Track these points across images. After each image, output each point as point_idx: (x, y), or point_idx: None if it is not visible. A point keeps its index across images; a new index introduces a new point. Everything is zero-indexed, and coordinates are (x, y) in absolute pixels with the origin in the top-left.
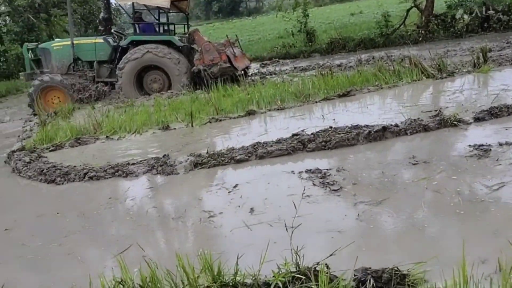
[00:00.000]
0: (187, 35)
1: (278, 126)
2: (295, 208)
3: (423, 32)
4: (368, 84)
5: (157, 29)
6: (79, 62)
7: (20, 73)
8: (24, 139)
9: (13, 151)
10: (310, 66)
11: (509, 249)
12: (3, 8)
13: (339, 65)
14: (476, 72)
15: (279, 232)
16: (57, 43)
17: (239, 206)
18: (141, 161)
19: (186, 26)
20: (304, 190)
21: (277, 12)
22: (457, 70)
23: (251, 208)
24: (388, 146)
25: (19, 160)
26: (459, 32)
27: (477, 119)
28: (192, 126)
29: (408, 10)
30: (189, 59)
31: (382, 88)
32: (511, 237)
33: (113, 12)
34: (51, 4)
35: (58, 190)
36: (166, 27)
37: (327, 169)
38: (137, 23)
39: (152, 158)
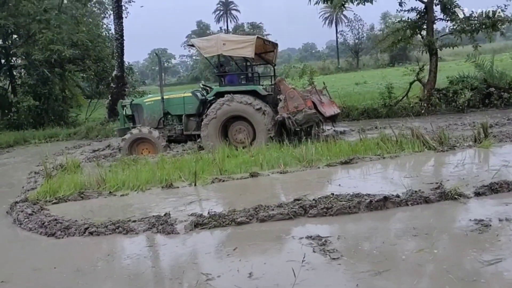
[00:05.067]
0: (273, 85)
1: (281, 190)
2: (294, 275)
3: (425, 105)
4: (370, 152)
5: (242, 80)
6: (169, 116)
7: (114, 129)
8: (28, 190)
9: (16, 202)
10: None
11: None
12: (19, 61)
13: (342, 132)
14: (477, 146)
15: None
16: (149, 99)
17: (237, 270)
18: (142, 218)
19: (273, 77)
20: (304, 257)
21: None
22: (458, 144)
23: (250, 273)
24: (389, 216)
25: (21, 211)
26: (460, 107)
27: (478, 194)
28: (195, 185)
29: (411, 83)
30: (275, 109)
31: (384, 157)
32: None
33: (126, 71)
34: (66, 60)
35: (57, 244)
36: (251, 78)
37: (327, 236)
38: (221, 74)
39: (153, 216)
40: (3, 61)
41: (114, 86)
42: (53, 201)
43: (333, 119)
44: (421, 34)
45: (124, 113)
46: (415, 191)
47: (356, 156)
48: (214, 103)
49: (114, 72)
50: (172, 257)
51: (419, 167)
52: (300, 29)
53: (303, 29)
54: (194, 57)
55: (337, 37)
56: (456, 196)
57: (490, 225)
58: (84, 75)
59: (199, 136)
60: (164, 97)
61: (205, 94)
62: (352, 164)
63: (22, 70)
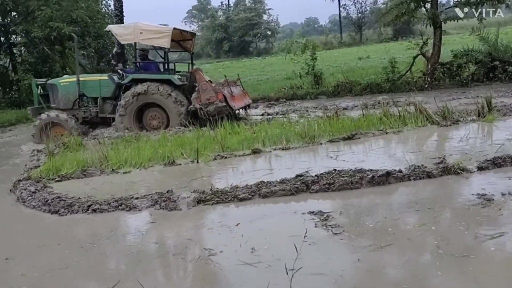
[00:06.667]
0: (189, 73)
1: (283, 166)
2: (296, 250)
3: (429, 79)
4: (373, 128)
5: (160, 68)
6: (84, 98)
7: (28, 108)
8: (31, 168)
9: (19, 180)
10: (316, 107)
11: None
12: (19, 39)
13: (345, 108)
14: (480, 121)
15: (279, 274)
16: (64, 80)
17: (240, 245)
18: (144, 195)
19: (190, 64)
20: (306, 232)
21: (286, 54)
22: (462, 118)
23: (252, 248)
24: (391, 191)
25: (25, 189)
26: (464, 81)
27: (481, 168)
28: (197, 162)
29: (414, 58)
30: (189, 98)
31: (387, 133)
32: None
33: (126, 48)
34: (66, 38)
35: (61, 221)
36: (167, 66)
37: (329, 212)
38: (138, 62)
39: (156, 193)
40: (2, 39)
41: (114, 63)
42: (56, 179)
43: (244, 108)
44: (425, 7)
45: (39, 92)
46: (418, 166)
47: (359, 132)
48: (130, 89)
49: (115, 49)
50: (175, 233)
51: (422, 142)
52: (302, 4)
53: (306, 3)
54: (196, 34)
55: (340, 11)
56: (459, 171)
57: (493, 200)
58: (84, 52)
59: (113, 119)
60: (80, 79)
61: (122, 78)
62: (354, 140)
63: (22, 47)
